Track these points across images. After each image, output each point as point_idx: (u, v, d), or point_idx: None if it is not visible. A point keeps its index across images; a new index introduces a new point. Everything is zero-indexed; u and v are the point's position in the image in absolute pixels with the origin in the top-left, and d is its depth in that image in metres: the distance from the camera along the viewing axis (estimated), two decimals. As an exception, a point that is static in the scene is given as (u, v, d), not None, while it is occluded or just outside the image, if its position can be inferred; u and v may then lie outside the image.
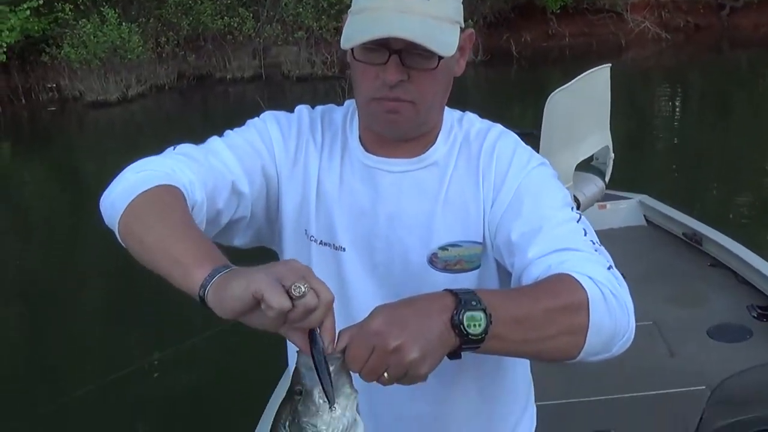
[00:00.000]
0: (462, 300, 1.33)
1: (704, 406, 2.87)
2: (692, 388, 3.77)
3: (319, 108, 1.88)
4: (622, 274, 1.56)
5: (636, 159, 11.87)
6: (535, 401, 2.08)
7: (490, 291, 1.46)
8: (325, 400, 1.27)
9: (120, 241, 1.58)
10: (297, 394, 1.30)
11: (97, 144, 18.42)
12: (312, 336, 1.27)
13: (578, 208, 1.75)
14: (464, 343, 1.33)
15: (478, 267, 1.72)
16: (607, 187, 5.60)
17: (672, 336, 4.42)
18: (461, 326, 1.31)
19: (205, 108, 21.37)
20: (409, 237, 1.72)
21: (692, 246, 5.68)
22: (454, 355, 1.37)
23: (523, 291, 1.51)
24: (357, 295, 1.75)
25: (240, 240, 1.81)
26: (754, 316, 4.45)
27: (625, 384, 3.91)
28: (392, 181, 1.75)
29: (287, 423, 1.31)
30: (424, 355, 1.28)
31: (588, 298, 1.43)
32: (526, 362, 1.97)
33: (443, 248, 1.71)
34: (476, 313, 1.32)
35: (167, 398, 6.88)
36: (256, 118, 1.84)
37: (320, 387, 1.27)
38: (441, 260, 1.71)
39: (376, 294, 1.70)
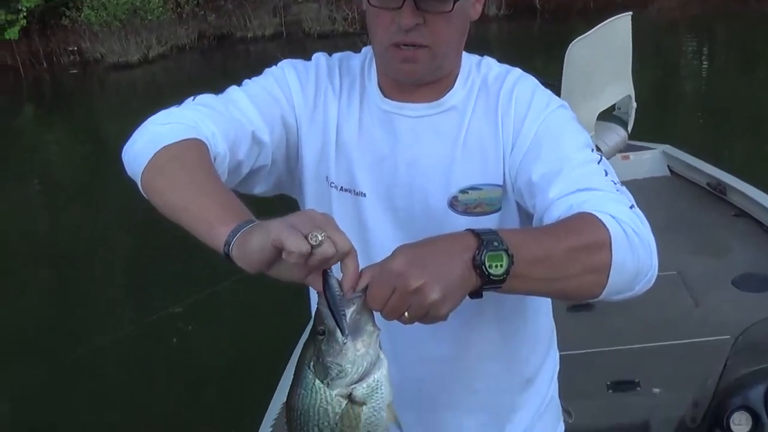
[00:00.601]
0: (484, 240, 1.32)
1: (728, 354, 2.86)
2: (717, 338, 3.76)
3: (336, 55, 1.87)
4: None
5: (660, 109, 11.79)
6: (559, 350, 2.08)
7: (511, 230, 1.46)
8: (345, 328, 1.28)
9: (142, 193, 1.58)
10: (320, 334, 1.31)
11: (119, 105, 18.48)
12: (325, 276, 1.28)
13: (600, 158, 1.74)
14: (486, 283, 1.33)
15: (498, 210, 1.72)
16: (630, 137, 5.56)
17: (696, 286, 4.41)
18: (483, 267, 1.31)
19: (226, 67, 21.35)
20: (429, 181, 1.72)
21: (716, 196, 5.65)
22: (475, 294, 1.36)
23: (545, 230, 1.50)
24: (378, 241, 1.74)
25: (260, 188, 1.81)
26: None
27: (650, 334, 3.92)
28: (411, 126, 1.74)
29: (312, 363, 1.32)
30: (444, 296, 1.27)
31: (610, 237, 1.42)
32: (548, 306, 1.97)
33: (463, 191, 1.71)
34: (498, 254, 1.31)
35: (192, 347, 6.97)
36: (274, 67, 1.84)
37: (341, 317, 1.28)
38: (461, 203, 1.71)
39: (396, 238, 1.70)
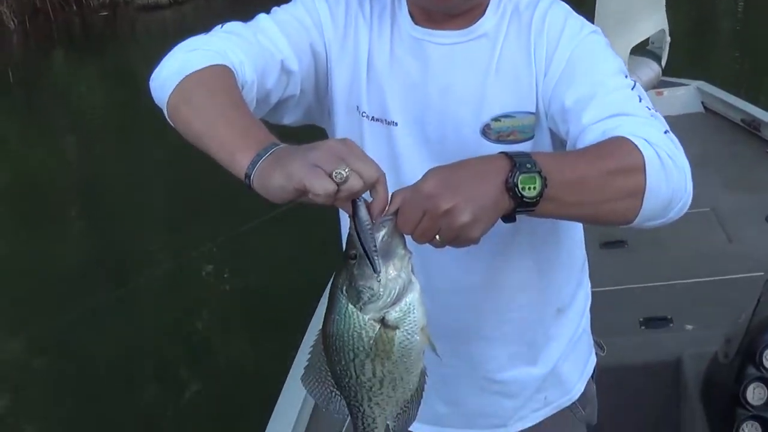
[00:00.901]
0: (517, 162, 1.31)
1: (761, 290, 2.84)
2: (750, 274, 3.74)
3: None
4: None
5: (694, 44, 11.62)
6: (592, 287, 2.07)
7: (545, 154, 1.44)
8: (378, 265, 1.28)
9: (168, 120, 1.57)
10: (351, 259, 1.30)
11: (149, 47, 18.45)
12: (354, 207, 1.27)
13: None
14: (519, 206, 1.32)
15: (531, 137, 1.70)
16: (664, 73, 5.51)
17: (730, 222, 4.38)
18: (516, 189, 1.30)
19: (255, 6, 21.19)
20: (462, 109, 1.70)
21: (751, 132, 5.60)
22: (508, 218, 1.35)
23: (579, 154, 1.48)
24: (410, 171, 1.72)
25: (289, 118, 1.79)
26: None
27: (683, 270, 3.90)
28: (442, 53, 1.71)
29: (344, 288, 1.32)
30: (475, 219, 1.26)
31: (644, 160, 1.40)
32: (581, 235, 1.96)
33: (496, 119, 1.68)
34: (531, 176, 1.30)
35: (229, 280, 7.04)
36: None
37: (372, 252, 1.28)
38: (494, 131, 1.69)
39: (429, 168, 1.68)
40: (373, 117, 1.75)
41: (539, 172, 1.31)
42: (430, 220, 1.26)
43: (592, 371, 2.07)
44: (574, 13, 1.72)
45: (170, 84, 1.54)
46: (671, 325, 3.51)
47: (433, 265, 1.69)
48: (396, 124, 1.74)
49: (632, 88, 1.58)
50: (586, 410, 2.06)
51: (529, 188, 1.30)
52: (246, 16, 1.77)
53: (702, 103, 6.21)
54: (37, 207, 9.67)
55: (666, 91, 6.10)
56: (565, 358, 1.96)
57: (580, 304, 1.99)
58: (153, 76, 1.60)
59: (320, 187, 1.19)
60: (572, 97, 1.57)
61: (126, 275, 6.98)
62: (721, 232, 4.31)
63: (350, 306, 1.31)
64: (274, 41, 1.68)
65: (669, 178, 1.43)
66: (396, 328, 1.32)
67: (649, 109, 1.54)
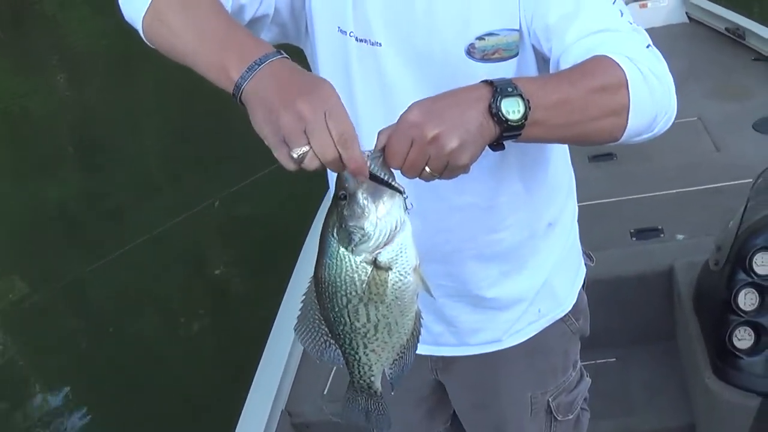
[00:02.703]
0: (498, 88, 1.31)
1: (748, 195, 2.86)
2: (739, 182, 3.76)
3: None
4: None
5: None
6: (580, 201, 2.09)
7: (527, 78, 1.44)
8: (372, 201, 1.28)
9: (145, 41, 1.55)
10: (341, 199, 1.29)
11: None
12: (339, 178, 1.28)
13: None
14: (505, 131, 1.32)
15: (516, 55, 1.68)
16: (647, -17, 5.48)
17: (717, 131, 4.40)
18: (500, 113, 1.30)
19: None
20: (446, 29, 1.67)
21: (735, 41, 5.59)
22: (496, 145, 1.36)
23: (561, 75, 1.47)
24: (397, 91, 1.70)
25: (265, 36, 1.75)
26: None
27: (672, 181, 3.92)
28: None
29: (335, 230, 1.31)
30: (463, 144, 1.27)
31: (626, 77, 1.41)
32: (566, 152, 1.97)
33: (480, 38, 1.66)
34: (513, 99, 1.31)
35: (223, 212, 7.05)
36: None
37: (362, 190, 1.28)
38: (479, 50, 1.67)
39: (417, 88, 1.67)
40: (357, 38, 1.71)
41: (521, 95, 1.31)
42: (418, 148, 1.26)
43: (582, 282, 2.10)
44: None
45: (141, 2, 1.50)
46: (662, 235, 3.54)
47: (425, 186, 1.70)
48: (380, 44, 1.70)
49: (613, 3, 1.57)
50: (579, 322, 2.09)
51: (513, 111, 1.30)
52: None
53: (686, 13, 6.20)
54: (28, 146, 9.58)
55: (650, 3, 6.10)
56: (556, 270, 1.99)
57: (568, 216, 2.02)
58: None
59: (285, 164, 1.23)
60: (555, 14, 1.56)
61: (122, 213, 6.95)
62: (708, 140, 4.33)
63: (341, 248, 1.30)
64: None
65: (652, 92, 1.44)
66: (389, 269, 1.31)
67: (631, 23, 1.55)
